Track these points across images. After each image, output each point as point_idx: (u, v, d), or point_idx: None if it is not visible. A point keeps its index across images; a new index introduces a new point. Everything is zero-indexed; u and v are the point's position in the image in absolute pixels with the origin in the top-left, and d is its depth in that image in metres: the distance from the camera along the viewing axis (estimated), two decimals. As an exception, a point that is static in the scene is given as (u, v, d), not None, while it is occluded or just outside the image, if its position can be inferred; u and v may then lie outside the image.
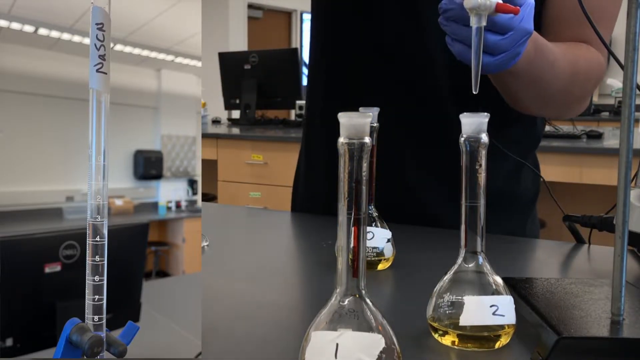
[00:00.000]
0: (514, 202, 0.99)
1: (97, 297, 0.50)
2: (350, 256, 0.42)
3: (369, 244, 0.73)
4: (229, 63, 3.93)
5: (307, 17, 7.62)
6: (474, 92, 0.63)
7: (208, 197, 3.83)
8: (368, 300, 0.42)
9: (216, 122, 4.37)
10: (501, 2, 0.62)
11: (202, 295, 0.63)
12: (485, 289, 0.50)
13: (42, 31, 2.73)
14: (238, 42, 7.12)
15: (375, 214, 0.75)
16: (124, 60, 3.25)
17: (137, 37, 3.04)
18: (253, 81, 3.78)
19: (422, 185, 0.96)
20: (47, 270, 0.88)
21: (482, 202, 0.51)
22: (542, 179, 1.02)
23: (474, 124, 0.50)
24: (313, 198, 1.08)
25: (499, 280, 0.52)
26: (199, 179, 3.78)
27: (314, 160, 1.08)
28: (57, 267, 0.88)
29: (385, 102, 0.81)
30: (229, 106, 4.04)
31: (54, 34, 2.76)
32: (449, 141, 0.98)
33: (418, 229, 0.93)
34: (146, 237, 1.12)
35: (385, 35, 0.95)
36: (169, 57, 3.45)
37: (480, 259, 0.52)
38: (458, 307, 0.50)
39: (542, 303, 0.54)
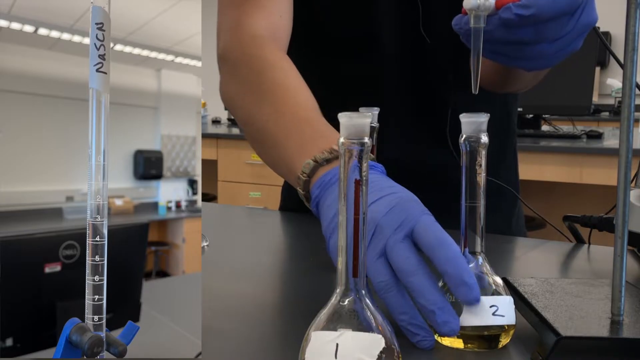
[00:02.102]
0: (498, 199, 0.99)
1: (97, 297, 0.51)
2: (350, 256, 0.42)
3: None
4: (229, 63, 3.92)
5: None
6: (474, 92, 0.62)
7: (208, 197, 3.83)
8: (368, 300, 0.42)
9: (216, 122, 4.37)
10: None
11: (202, 295, 0.63)
12: (485, 289, 0.50)
13: (42, 31, 2.73)
14: (238, 42, 7.10)
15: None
16: (124, 60, 3.25)
17: (137, 37, 3.04)
18: (253, 81, 3.77)
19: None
20: (47, 270, 0.88)
21: (482, 202, 0.51)
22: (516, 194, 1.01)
23: (473, 124, 0.50)
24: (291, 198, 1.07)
25: (498, 280, 0.52)
26: (199, 179, 3.78)
27: None
28: (57, 267, 0.89)
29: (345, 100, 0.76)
30: (229, 106, 4.03)
31: (54, 34, 2.76)
32: (412, 140, 0.97)
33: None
34: (146, 237, 1.12)
35: (338, 29, 0.93)
36: (169, 57, 3.45)
37: (480, 259, 0.52)
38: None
39: (542, 303, 0.53)
